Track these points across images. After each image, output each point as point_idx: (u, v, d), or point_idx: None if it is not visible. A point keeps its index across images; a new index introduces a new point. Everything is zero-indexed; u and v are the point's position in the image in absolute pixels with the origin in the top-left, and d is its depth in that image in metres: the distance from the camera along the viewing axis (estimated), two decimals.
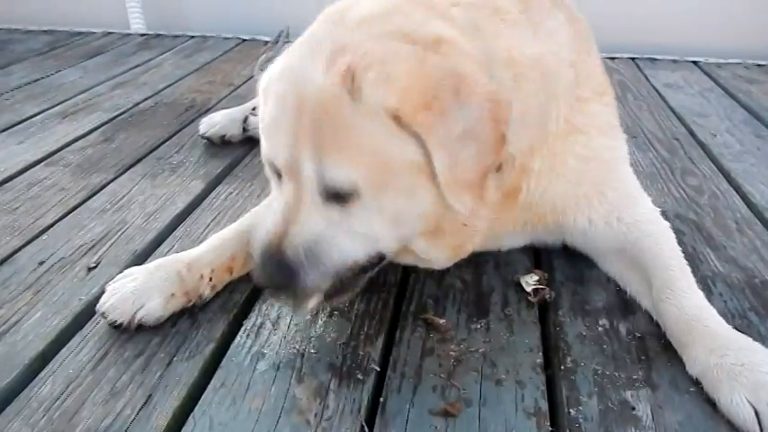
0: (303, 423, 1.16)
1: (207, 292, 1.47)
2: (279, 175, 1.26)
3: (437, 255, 1.38)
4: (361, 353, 1.34)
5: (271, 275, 1.21)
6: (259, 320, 1.44)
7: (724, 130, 2.64)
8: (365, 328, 1.42)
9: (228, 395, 1.23)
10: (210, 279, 1.47)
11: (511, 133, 1.20)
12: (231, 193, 2.06)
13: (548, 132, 1.37)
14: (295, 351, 1.34)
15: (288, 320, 1.44)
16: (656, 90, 3.17)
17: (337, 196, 1.18)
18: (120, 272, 1.52)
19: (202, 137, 2.41)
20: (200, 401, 1.21)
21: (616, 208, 1.50)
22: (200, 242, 1.73)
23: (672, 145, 2.48)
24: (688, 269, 1.45)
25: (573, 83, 1.39)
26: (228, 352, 1.34)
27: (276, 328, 1.42)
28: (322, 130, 1.14)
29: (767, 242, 1.79)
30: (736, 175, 2.20)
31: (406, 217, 1.23)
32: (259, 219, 1.34)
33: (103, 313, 1.38)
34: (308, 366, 1.30)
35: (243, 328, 1.42)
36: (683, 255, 1.48)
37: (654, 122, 2.73)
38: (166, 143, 2.47)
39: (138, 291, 1.40)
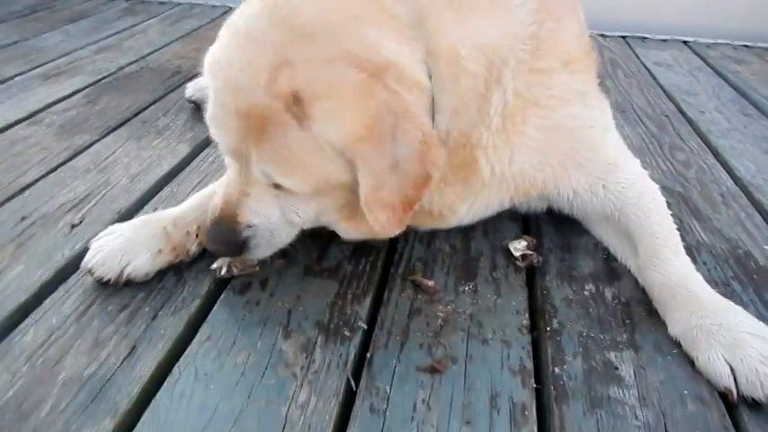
0: (289, 376, 1.16)
1: (194, 249, 1.46)
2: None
3: (352, 234, 1.42)
4: (349, 311, 1.34)
5: (223, 245, 1.32)
6: (246, 279, 1.43)
7: (712, 107, 2.66)
8: (353, 289, 1.41)
9: (214, 348, 1.22)
10: (197, 236, 1.46)
11: (443, 121, 1.28)
12: (218, 156, 2.03)
13: (491, 112, 1.33)
14: (282, 309, 1.34)
15: (275, 280, 1.43)
16: (647, 68, 3.17)
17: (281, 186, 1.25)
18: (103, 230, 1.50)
19: (188, 100, 2.37)
20: (185, 354, 1.21)
21: (598, 177, 1.49)
22: None
23: (661, 121, 2.49)
24: (675, 234, 1.46)
25: (528, 59, 1.34)
26: (214, 308, 1.33)
27: (264, 287, 1.41)
28: (267, 144, 1.17)
29: (752, 215, 1.81)
30: (723, 151, 2.22)
31: (329, 210, 1.35)
32: (216, 187, 1.40)
33: (90, 269, 1.36)
34: (295, 323, 1.30)
35: (230, 285, 1.40)
36: (671, 218, 1.49)
37: (644, 99, 2.74)
38: (152, 107, 2.43)
39: (126, 247, 1.38)
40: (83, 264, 1.38)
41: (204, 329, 1.27)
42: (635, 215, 1.48)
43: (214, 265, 1.42)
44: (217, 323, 1.29)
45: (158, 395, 1.11)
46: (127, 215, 1.67)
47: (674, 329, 1.29)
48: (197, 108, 2.36)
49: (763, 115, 2.58)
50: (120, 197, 1.76)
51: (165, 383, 1.14)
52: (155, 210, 1.70)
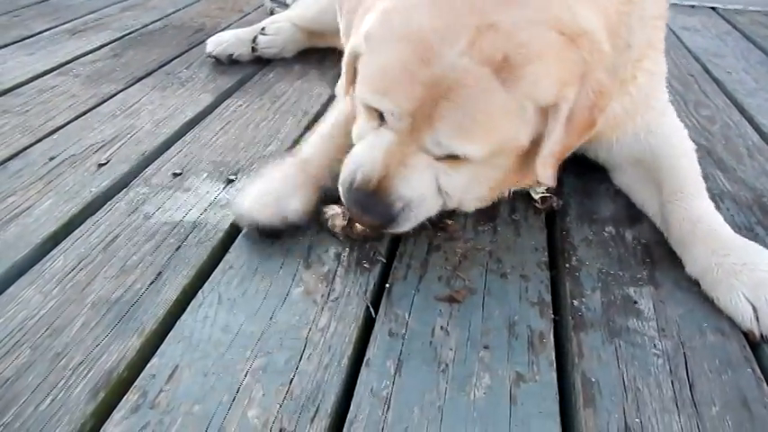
0: (310, 302, 1.18)
1: (332, 181, 1.39)
2: (380, 118, 1.24)
3: (474, 205, 1.40)
4: (368, 246, 1.36)
5: (370, 213, 1.24)
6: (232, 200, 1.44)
7: (740, 69, 2.61)
8: None
9: (237, 275, 1.25)
10: (332, 169, 1.41)
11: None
12: (240, 105, 2.05)
13: (628, 65, 1.38)
14: (303, 243, 1.36)
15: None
16: (674, 32, 3.11)
17: (451, 156, 1.21)
18: (130, 169, 1.54)
19: (209, 55, 2.38)
20: (208, 280, 1.23)
21: (651, 121, 1.51)
22: (209, 147, 1.75)
23: (686, 80, 2.45)
24: (702, 181, 1.46)
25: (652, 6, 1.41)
26: (237, 240, 1.36)
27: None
28: (457, 111, 1.13)
29: None
30: (749, 108, 2.18)
31: (483, 185, 1.32)
32: (356, 154, 1.28)
33: (253, 221, 1.33)
34: (316, 256, 1.32)
35: None
36: (700, 171, 1.49)
37: (669, 61, 2.65)
38: (175, 60, 2.44)
39: (276, 191, 1.36)
40: (240, 218, 1.35)
41: (227, 259, 1.30)
42: (668, 157, 1.48)
43: (326, 209, 1.38)
44: (239, 253, 1.31)
45: (183, 317, 1.14)
46: (152, 156, 1.70)
47: (693, 268, 1.28)
48: (218, 62, 2.38)
49: None
50: (145, 140, 1.78)
51: (190, 307, 1.17)
52: (179, 152, 1.72)
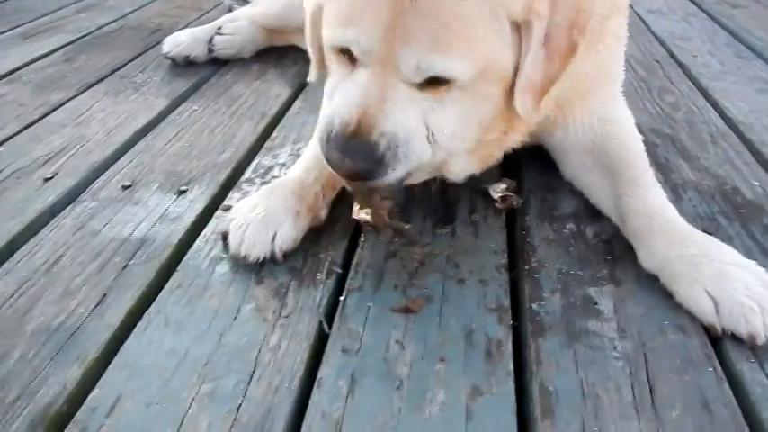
0: (261, 320, 1.14)
1: (324, 212, 1.39)
2: (351, 60, 1.16)
3: (464, 167, 1.33)
4: (323, 256, 1.31)
5: (356, 162, 1.11)
6: (220, 227, 1.40)
7: (705, 51, 2.59)
8: (328, 234, 1.38)
9: (185, 295, 1.20)
10: (324, 196, 1.38)
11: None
12: (196, 110, 1.99)
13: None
14: None
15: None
16: (639, 16, 3.08)
17: (433, 81, 1.11)
18: (77, 183, 1.48)
19: (166, 57, 2.31)
20: (155, 301, 1.18)
21: (602, 104, 1.47)
22: (162, 156, 1.70)
23: (651, 66, 2.43)
24: (651, 171, 1.43)
25: None
26: (186, 256, 1.31)
27: None
28: (432, 19, 1.05)
29: (741, 153, 1.77)
30: (714, 93, 2.16)
31: (472, 123, 1.20)
32: (330, 103, 1.18)
33: (243, 256, 1.26)
34: (268, 270, 1.27)
35: (202, 235, 1.38)
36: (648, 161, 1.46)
37: (634, 47, 2.66)
38: (130, 63, 2.37)
39: (266, 217, 1.28)
40: (231, 252, 1.27)
41: (176, 277, 1.25)
42: (620, 146, 1.45)
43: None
44: (188, 270, 1.27)
45: (127, 342, 1.10)
46: (101, 168, 1.64)
47: (651, 262, 1.25)
48: (174, 64, 2.31)
49: (757, 56, 2.51)
50: (95, 151, 1.72)
51: (135, 331, 1.12)
52: (130, 162, 1.67)
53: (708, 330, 1.13)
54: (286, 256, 1.28)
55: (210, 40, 2.32)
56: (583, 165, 1.51)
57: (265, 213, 1.28)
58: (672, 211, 1.30)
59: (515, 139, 1.35)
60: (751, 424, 0.97)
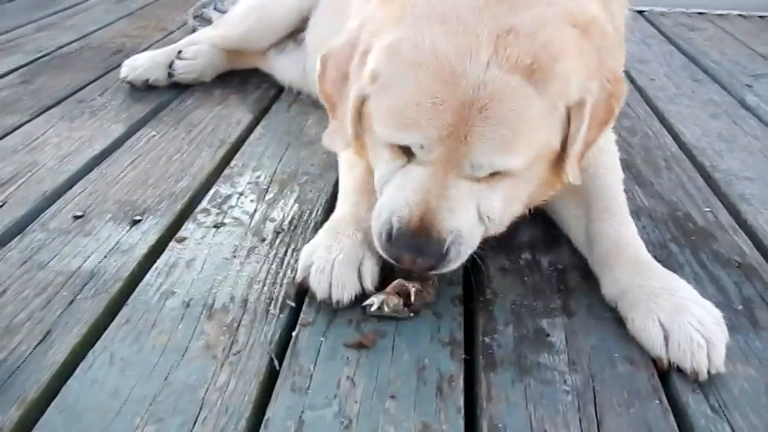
0: (210, 357, 1.12)
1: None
2: (406, 153, 1.17)
3: (507, 226, 1.33)
4: (277, 291, 1.30)
5: (423, 255, 1.15)
6: (172, 260, 1.38)
7: (662, 74, 2.65)
8: (283, 268, 1.37)
9: (133, 331, 1.17)
10: None
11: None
12: (154, 136, 1.96)
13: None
14: (207, 290, 1.29)
15: (203, 260, 1.38)
16: None
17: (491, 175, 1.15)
18: (26, 213, 1.45)
19: (124, 81, 2.27)
20: (101, 338, 1.15)
21: None
22: (116, 184, 1.67)
23: None
24: (626, 203, 1.45)
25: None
26: (137, 290, 1.28)
27: (190, 268, 1.36)
28: (500, 124, 1.08)
29: (693, 178, 1.81)
30: (669, 116, 2.22)
31: (521, 199, 1.27)
32: (387, 199, 1.19)
33: (337, 301, 1.22)
34: (220, 304, 1.25)
35: (154, 267, 1.35)
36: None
37: None
38: (89, 86, 2.34)
39: (347, 256, 1.25)
40: (320, 297, 1.22)
41: (124, 312, 1.22)
42: (601, 176, 1.46)
43: (367, 302, 1.23)
44: (138, 304, 1.24)
45: (70, 382, 1.06)
46: (53, 197, 1.60)
47: (613, 288, 1.27)
48: (134, 88, 2.28)
49: (711, 79, 2.59)
50: (46, 178, 1.68)
51: (78, 370, 1.09)
52: (83, 190, 1.63)
53: (656, 363, 1.15)
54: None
55: (171, 65, 2.29)
56: (558, 195, 1.50)
57: (345, 252, 1.25)
58: (640, 245, 1.33)
59: (551, 193, 1.38)
60: None
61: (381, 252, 1.21)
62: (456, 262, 1.18)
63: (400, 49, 1.13)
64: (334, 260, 1.24)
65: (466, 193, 1.15)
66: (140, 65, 2.27)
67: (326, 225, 1.36)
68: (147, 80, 2.26)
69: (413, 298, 1.23)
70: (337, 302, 1.22)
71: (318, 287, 1.23)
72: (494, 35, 1.08)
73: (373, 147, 1.26)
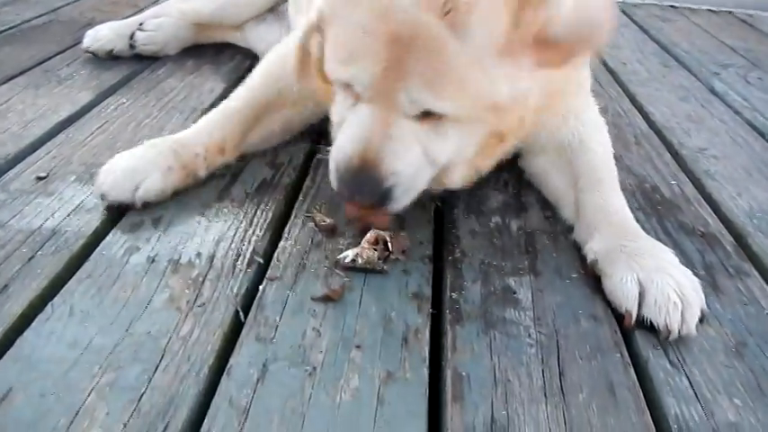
0: (173, 310, 1.10)
1: (202, 172, 1.45)
2: (354, 93, 1.19)
3: (462, 176, 1.35)
4: (245, 247, 1.29)
5: (360, 193, 1.18)
6: (138, 219, 1.35)
7: (634, 60, 2.69)
8: (253, 226, 1.36)
9: (94, 285, 1.15)
10: (205, 158, 1.43)
11: None
12: (123, 103, 1.92)
13: None
14: (173, 247, 1.27)
15: (170, 218, 1.35)
16: None
17: (430, 114, 1.16)
18: None
19: (86, 51, 2.21)
20: (61, 292, 1.13)
21: (579, 105, 1.51)
22: (83, 148, 1.63)
23: None
24: (616, 174, 1.47)
25: None
26: (99, 247, 1.25)
27: (156, 227, 1.33)
28: (424, 64, 1.09)
29: (662, 154, 1.84)
30: (640, 98, 2.25)
31: (470, 145, 1.26)
32: (338, 139, 1.22)
33: (102, 195, 1.34)
34: (186, 259, 1.23)
35: (119, 225, 1.32)
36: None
37: None
38: (56, 57, 2.27)
39: (135, 167, 1.35)
40: (94, 191, 1.36)
41: (86, 267, 1.19)
42: (591, 147, 1.48)
43: (341, 255, 1.25)
44: (101, 261, 1.21)
45: (26, 333, 1.03)
46: (15, 160, 1.56)
47: (596, 248, 1.27)
48: (98, 59, 2.23)
49: (681, 66, 2.63)
50: (8, 142, 1.64)
51: (36, 322, 1.06)
52: (47, 154, 1.59)
53: (620, 321, 1.16)
54: (147, 206, 1.34)
55: (132, 36, 2.24)
56: (548, 162, 1.54)
57: (135, 164, 1.35)
58: (629, 215, 1.35)
59: (508, 149, 1.39)
60: (652, 406, 0.99)
61: (333, 186, 1.24)
62: (401, 201, 1.20)
63: None
64: (121, 166, 1.35)
65: (409, 134, 1.16)
66: (103, 36, 2.22)
67: (153, 140, 1.44)
68: (111, 50, 2.20)
69: (390, 245, 1.24)
70: (102, 196, 1.34)
71: (96, 181, 1.35)
72: None
73: (330, 87, 1.28)
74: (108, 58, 2.21)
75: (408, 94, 1.12)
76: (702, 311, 1.15)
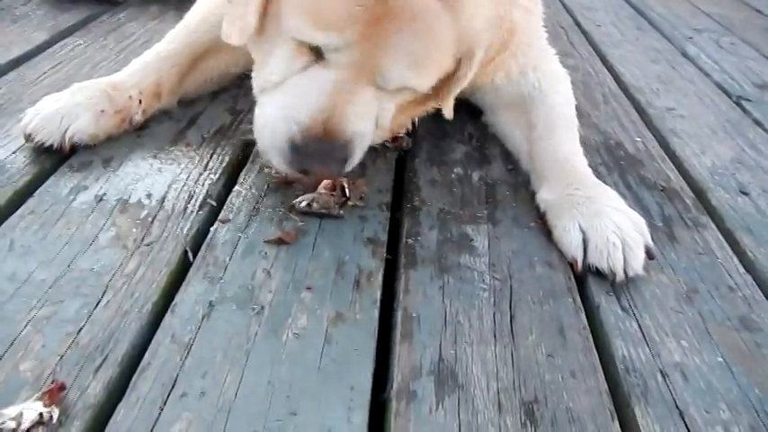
0: (119, 247, 1.07)
1: (138, 116, 1.38)
2: (311, 53, 1.10)
3: (381, 137, 1.34)
4: (198, 189, 1.25)
5: (332, 166, 1.12)
6: (88, 158, 1.30)
7: (609, 22, 2.67)
8: (206, 171, 1.32)
9: (38, 221, 1.11)
10: (140, 102, 1.37)
11: None
12: (80, 45, 1.85)
13: None
14: (123, 188, 1.23)
15: (122, 158, 1.31)
16: None
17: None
18: None
19: None
20: (2, 226, 1.09)
21: (535, 59, 1.49)
22: (34, 86, 1.57)
23: (556, 32, 2.47)
24: (575, 124, 1.46)
25: None
26: (46, 183, 1.21)
27: (106, 167, 1.29)
28: (413, 42, 1.06)
29: (629, 112, 1.83)
30: (611, 59, 2.24)
31: (405, 113, 1.30)
32: (286, 103, 1.12)
33: (29, 135, 1.25)
34: (136, 199, 1.20)
35: (67, 163, 1.28)
36: (575, 114, 1.49)
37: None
38: None
39: (64, 109, 1.27)
40: (20, 129, 1.27)
41: (30, 204, 1.15)
42: (548, 96, 1.47)
43: (296, 200, 1.21)
44: (45, 197, 1.17)
45: None
46: None
47: (545, 195, 1.28)
48: None
49: (655, 29, 2.62)
50: None
51: None
52: None
53: (573, 266, 1.16)
54: (75, 149, 1.28)
55: None
56: (509, 116, 1.54)
57: (64, 105, 1.28)
58: (580, 160, 1.35)
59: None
60: (600, 348, 1.00)
61: (280, 166, 1.13)
62: (354, 160, 1.15)
63: None
64: (50, 107, 1.27)
65: (371, 100, 1.13)
66: None
67: (84, 82, 1.37)
68: None
69: (347, 191, 1.21)
70: (29, 136, 1.25)
71: (23, 120, 1.27)
72: None
73: (269, 39, 1.16)
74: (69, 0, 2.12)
75: (390, 70, 1.08)
76: (649, 249, 1.16)
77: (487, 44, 1.19)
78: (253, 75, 1.23)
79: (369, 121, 1.14)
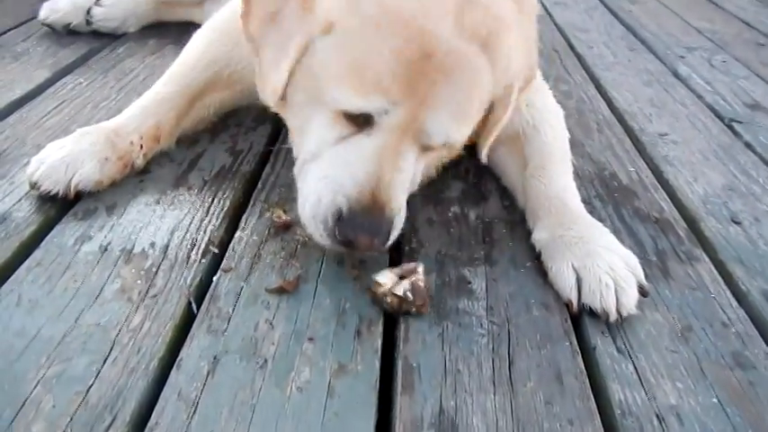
0: (124, 300, 1.09)
1: (140, 160, 1.40)
2: (356, 122, 1.10)
3: None
4: (201, 237, 1.27)
5: (381, 239, 1.10)
6: (92, 205, 1.33)
7: (601, 42, 2.70)
8: (209, 215, 1.34)
9: (44, 274, 1.13)
10: (141, 147, 1.39)
11: None
12: (81, 83, 1.87)
13: None
14: (127, 236, 1.25)
15: (125, 205, 1.33)
16: (544, 6, 3.18)
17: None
18: None
19: (43, 23, 2.15)
20: (9, 280, 1.11)
21: (530, 94, 1.50)
22: (37, 129, 1.60)
23: (551, 56, 2.51)
24: (569, 159, 1.48)
25: None
26: (51, 233, 1.23)
27: (111, 213, 1.31)
28: (460, 91, 1.08)
29: (622, 140, 1.86)
30: (604, 83, 2.27)
31: (432, 166, 1.36)
32: (330, 175, 1.11)
33: (35, 184, 1.27)
34: (140, 249, 1.22)
35: (72, 212, 1.30)
36: (569, 147, 1.52)
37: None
38: (12, 31, 2.20)
39: (69, 157, 1.29)
40: (27, 178, 1.29)
41: (36, 255, 1.17)
42: (542, 133, 1.49)
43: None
44: (51, 248, 1.19)
45: None
46: None
47: (539, 235, 1.30)
48: (53, 31, 2.16)
49: (647, 49, 2.65)
50: None
51: None
52: (1, 133, 1.55)
53: (569, 307, 1.18)
54: (79, 196, 1.30)
55: (88, 11, 2.17)
56: (504, 151, 1.55)
57: (69, 153, 1.30)
58: (571, 198, 1.37)
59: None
60: (597, 392, 1.02)
61: (323, 240, 1.11)
62: (394, 238, 1.14)
63: (366, 6, 1.07)
64: (55, 155, 1.29)
65: (412, 164, 1.13)
66: (61, 8, 2.14)
67: (86, 128, 1.38)
68: (69, 24, 2.14)
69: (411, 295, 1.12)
70: (35, 184, 1.27)
71: (29, 168, 1.29)
72: (455, 2, 1.07)
73: (304, 108, 1.16)
74: (66, 33, 2.15)
75: (436, 126, 1.08)
76: (642, 287, 1.18)
77: (520, 85, 1.21)
78: (292, 143, 1.28)
79: (409, 186, 1.17)
